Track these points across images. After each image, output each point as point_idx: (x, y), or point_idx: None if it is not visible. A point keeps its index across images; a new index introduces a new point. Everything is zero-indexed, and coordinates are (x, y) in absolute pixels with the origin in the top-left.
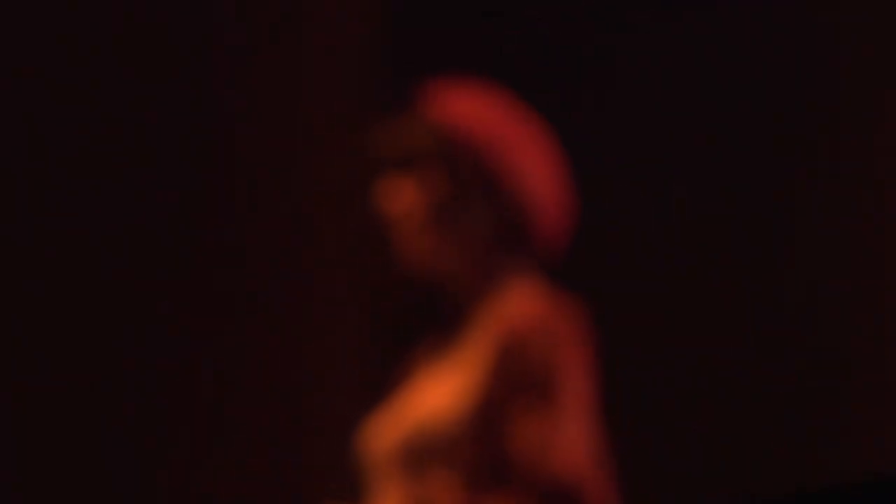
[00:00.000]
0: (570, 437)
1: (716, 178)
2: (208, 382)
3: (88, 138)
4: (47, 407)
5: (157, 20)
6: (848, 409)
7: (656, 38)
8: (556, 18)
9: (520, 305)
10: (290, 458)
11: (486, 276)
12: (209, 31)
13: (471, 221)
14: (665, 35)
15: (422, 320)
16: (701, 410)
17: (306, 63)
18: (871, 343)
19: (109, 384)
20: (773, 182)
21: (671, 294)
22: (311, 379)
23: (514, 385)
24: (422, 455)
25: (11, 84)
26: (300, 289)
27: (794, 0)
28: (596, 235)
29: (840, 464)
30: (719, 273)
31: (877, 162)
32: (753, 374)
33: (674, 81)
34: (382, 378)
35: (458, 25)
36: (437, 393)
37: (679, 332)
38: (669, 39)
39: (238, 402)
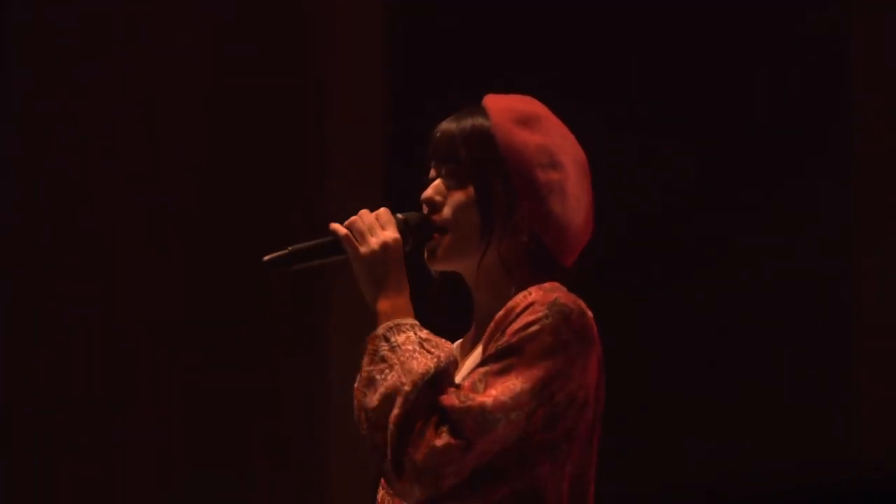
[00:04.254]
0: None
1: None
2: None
3: None
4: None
5: None
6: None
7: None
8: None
9: (523, 297)
10: (314, 456)
11: (509, 283)
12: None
13: (505, 230)
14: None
15: (451, 320)
16: (700, 407)
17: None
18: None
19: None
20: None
21: (671, 295)
22: (337, 379)
23: (492, 352)
24: None
25: None
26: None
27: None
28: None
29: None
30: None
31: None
32: (753, 372)
33: (679, 83)
34: None
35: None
36: None
37: (680, 331)
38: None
39: (262, 400)
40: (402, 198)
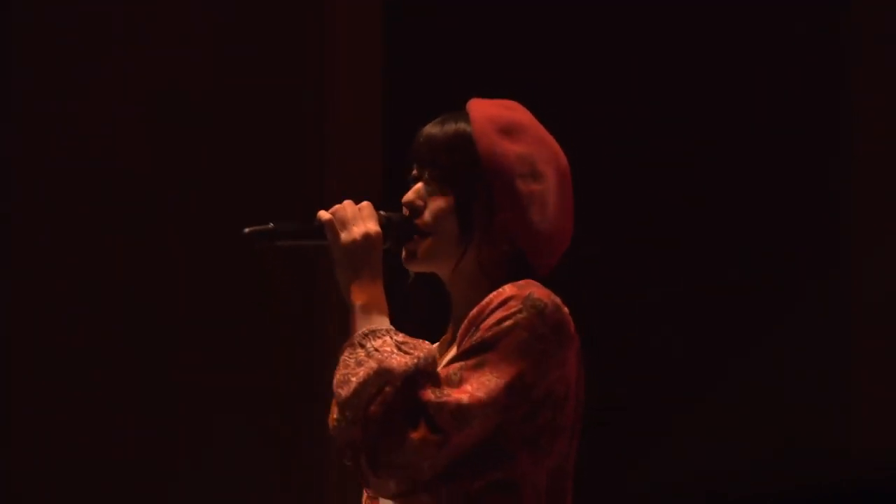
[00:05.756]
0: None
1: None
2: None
3: None
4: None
5: None
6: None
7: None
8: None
9: (497, 293)
10: (304, 454)
11: (486, 287)
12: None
13: (484, 238)
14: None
15: (430, 319)
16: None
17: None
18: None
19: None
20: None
21: (668, 294)
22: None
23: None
24: None
25: None
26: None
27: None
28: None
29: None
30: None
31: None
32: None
33: (673, 88)
34: None
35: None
36: None
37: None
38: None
39: (251, 397)
40: (400, 198)
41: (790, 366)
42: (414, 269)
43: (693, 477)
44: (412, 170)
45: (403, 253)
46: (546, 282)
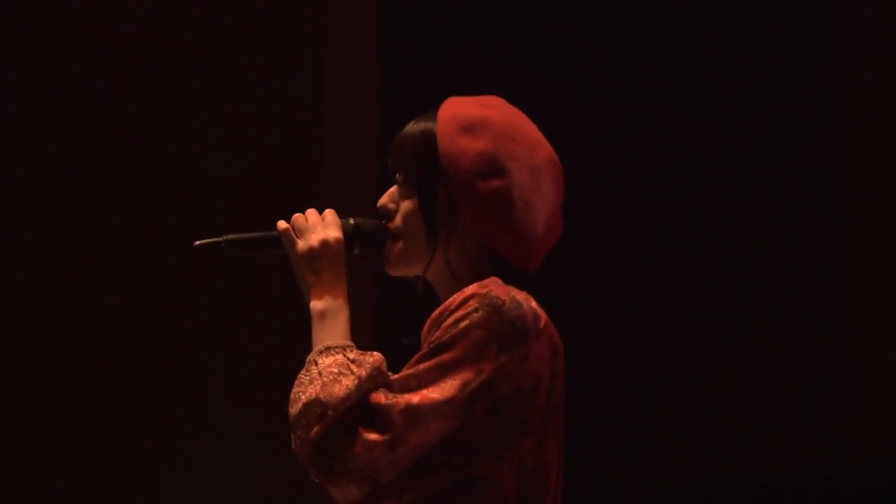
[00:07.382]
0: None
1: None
2: (212, 382)
3: None
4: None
5: None
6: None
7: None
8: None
9: (459, 294)
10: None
11: (458, 288)
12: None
13: (451, 239)
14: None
15: (414, 322)
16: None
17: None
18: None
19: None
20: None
21: (665, 292)
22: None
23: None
24: None
25: None
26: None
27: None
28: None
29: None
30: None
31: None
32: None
33: (671, 87)
34: None
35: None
36: None
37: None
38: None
39: (239, 400)
40: None
41: (792, 365)
42: (391, 272)
43: (694, 476)
44: (395, 172)
45: (383, 259)
46: (542, 281)
